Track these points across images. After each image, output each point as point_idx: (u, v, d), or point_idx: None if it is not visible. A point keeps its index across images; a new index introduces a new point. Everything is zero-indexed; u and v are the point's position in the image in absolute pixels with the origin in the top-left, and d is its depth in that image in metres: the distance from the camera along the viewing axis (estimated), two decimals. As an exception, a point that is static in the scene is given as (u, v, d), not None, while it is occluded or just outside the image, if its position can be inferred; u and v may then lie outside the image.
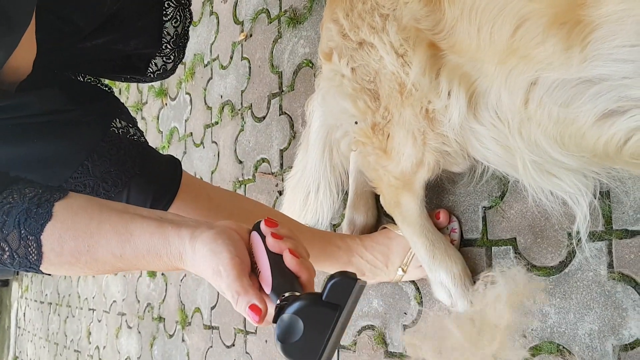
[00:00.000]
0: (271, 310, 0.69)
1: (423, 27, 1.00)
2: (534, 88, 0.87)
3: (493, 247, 1.17)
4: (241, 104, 2.16)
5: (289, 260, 0.71)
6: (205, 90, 2.42)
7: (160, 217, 0.79)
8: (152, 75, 1.24)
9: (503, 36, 0.86)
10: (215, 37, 2.35)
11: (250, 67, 2.12)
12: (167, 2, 1.15)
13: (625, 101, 0.74)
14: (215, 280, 0.72)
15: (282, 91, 1.93)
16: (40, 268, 0.79)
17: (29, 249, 0.77)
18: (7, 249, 0.77)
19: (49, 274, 0.97)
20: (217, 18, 2.34)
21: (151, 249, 0.76)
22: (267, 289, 0.70)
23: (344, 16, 1.19)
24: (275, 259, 0.72)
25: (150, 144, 1.19)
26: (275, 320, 0.68)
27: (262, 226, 0.76)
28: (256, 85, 2.08)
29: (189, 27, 1.22)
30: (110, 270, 0.82)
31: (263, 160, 2.00)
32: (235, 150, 2.17)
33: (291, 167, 1.69)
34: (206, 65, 2.42)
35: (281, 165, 1.91)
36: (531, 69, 0.85)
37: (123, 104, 1.18)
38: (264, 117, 2.01)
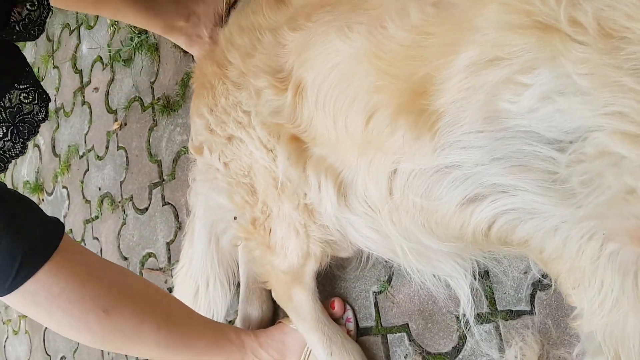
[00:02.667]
0: None
1: (283, 122, 0.98)
2: (394, 177, 0.85)
3: (388, 335, 1.13)
4: (121, 195, 2.02)
5: None
6: (82, 183, 2.25)
7: None
8: (17, 28, 1.07)
9: (357, 128, 0.85)
10: (89, 127, 2.21)
11: (127, 157, 2.00)
12: None
13: (482, 188, 0.73)
14: None
15: (163, 180, 1.83)
16: None
17: None
18: None
19: None
20: (90, 107, 2.22)
21: None
22: None
23: (209, 111, 1.14)
24: None
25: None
26: None
27: None
28: (135, 175, 1.96)
29: None
30: None
31: (149, 255, 1.86)
32: (119, 245, 2.01)
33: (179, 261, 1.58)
34: (82, 156, 2.26)
35: (169, 259, 1.78)
36: (388, 159, 0.83)
37: None
38: (146, 209, 1.89)
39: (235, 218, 1.21)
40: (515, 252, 0.82)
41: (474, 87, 0.64)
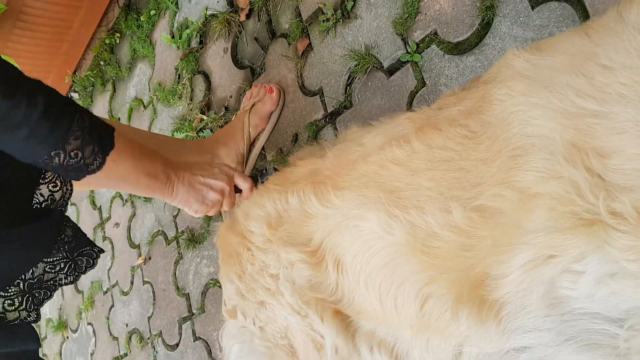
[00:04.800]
0: None
1: (323, 296, 0.97)
2: (460, 358, 0.84)
3: None
4: (150, 331, 2.00)
5: None
6: (108, 319, 2.23)
7: None
8: (39, 207, 1.06)
9: (410, 311, 0.84)
10: (112, 262, 2.23)
11: (154, 291, 2.00)
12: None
13: (558, 369, 0.73)
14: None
15: (193, 314, 1.81)
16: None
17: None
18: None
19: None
20: (112, 243, 2.24)
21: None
22: None
23: (238, 278, 1.15)
24: None
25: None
26: None
27: None
28: (163, 310, 1.95)
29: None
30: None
31: (183, 394, 1.81)
32: (151, 384, 1.96)
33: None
34: (106, 292, 2.26)
35: (205, 399, 1.73)
36: (450, 343, 0.82)
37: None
38: (177, 345, 1.86)
39: (279, 378, 1.19)
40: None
41: (533, 281, 0.66)
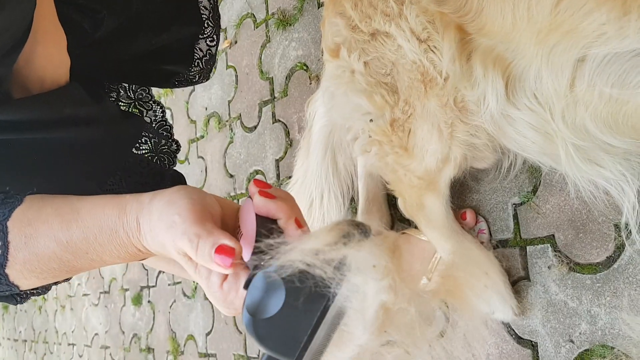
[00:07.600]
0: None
1: (447, 11, 0.92)
2: (581, 66, 0.79)
3: (528, 247, 1.08)
4: (229, 114, 2.05)
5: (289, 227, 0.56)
6: (187, 103, 2.30)
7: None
8: (200, 65, 1.14)
9: (544, 10, 0.78)
10: (197, 46, 2.23)
11: (237, 76, 2.01)
12: None
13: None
14: (170, 234, 0.55)
15: (275, 98, 1.83)
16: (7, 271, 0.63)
17: None
18: None
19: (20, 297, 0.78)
20: (198, 27, 2.23)
21: (104, 224, 0.60)
22: (247, 252, 0.55)
23: (352, 7, 1.10)
24: (265, 223, 0.56)
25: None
26: (246, 286, 0.52)
27: (251, 186, 0.60)
28: (245, 93, 1.97)
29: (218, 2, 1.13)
30: (58, 271, 0.64)
31: (257, 172, 1.89)
32: (225, 163, 2.05)
33: (290, 177, 1.59)
34: (188, 77, 2.30)
35: (278, 175, 1.80)
36: (578, 44, 0.77)
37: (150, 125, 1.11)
38: (255, 127, 1.90)
39: (371, 120, 1.19)
40: None
41: None
